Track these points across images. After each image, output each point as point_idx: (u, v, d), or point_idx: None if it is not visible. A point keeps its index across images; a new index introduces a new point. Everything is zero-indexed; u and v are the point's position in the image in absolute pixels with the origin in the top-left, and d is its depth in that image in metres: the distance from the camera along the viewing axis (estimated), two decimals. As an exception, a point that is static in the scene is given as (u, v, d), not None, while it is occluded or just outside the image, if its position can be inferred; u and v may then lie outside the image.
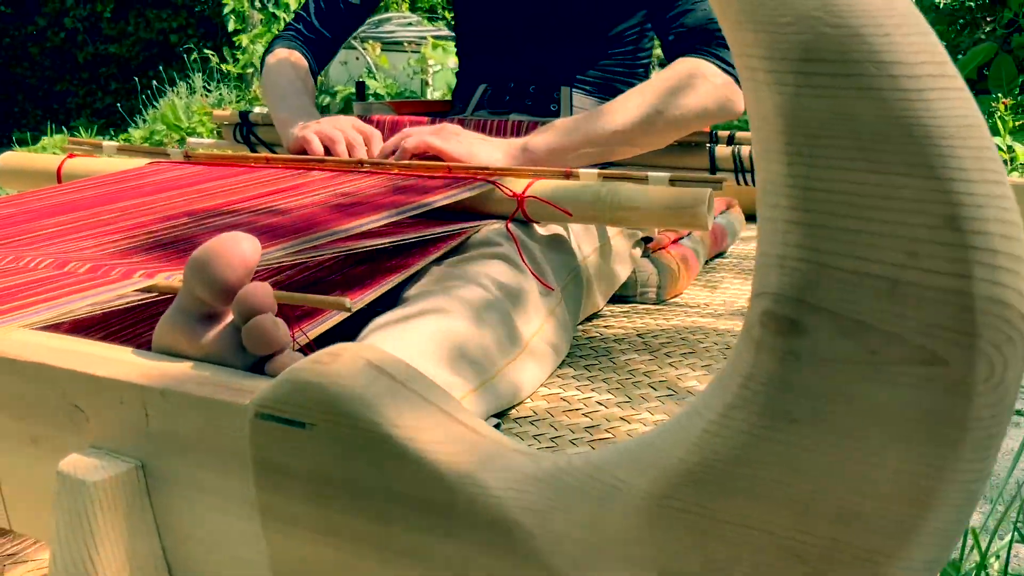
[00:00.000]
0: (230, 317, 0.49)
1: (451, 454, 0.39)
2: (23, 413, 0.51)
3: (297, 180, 1.10)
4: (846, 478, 0.30)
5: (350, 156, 1.26)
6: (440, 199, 0.98)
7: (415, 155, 1.22)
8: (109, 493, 0.45)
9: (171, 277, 0.65)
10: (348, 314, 0.67)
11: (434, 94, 3.31)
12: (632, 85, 1.53)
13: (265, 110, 1.57)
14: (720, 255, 1.69)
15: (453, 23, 1.72)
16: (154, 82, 4.61)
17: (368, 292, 0.84)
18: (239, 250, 0.47)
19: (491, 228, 1.03)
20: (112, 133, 7.59)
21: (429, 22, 4.54)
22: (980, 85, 2.90)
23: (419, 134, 1.22)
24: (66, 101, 9.11)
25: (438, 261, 0.95)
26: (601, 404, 0.90)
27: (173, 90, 4.30)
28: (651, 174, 1.06)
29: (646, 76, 1.57)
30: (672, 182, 1.04)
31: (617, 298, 1.33)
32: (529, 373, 0.92)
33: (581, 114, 1.32)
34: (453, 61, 3.21)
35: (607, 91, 1.52)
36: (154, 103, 4.34)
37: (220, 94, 4.29)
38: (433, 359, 0.78)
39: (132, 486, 0.46)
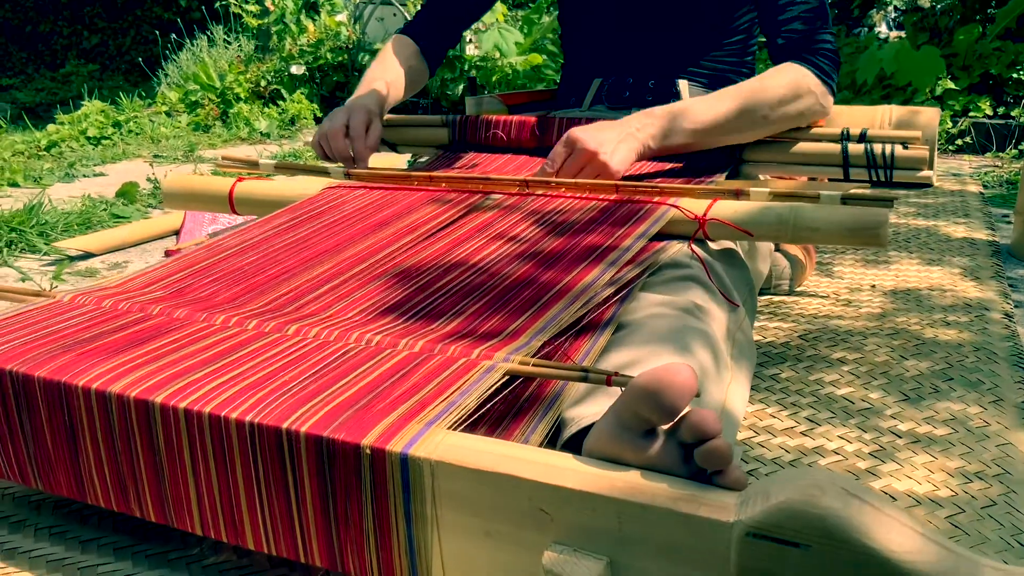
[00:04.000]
0: (663, 429, 0.58)
1: (940, 573, 0.48)
2: (480, 511, 0.60)
3: (488, 212, 1.18)
4: None
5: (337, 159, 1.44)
6: (645, 229, 1.06)
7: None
8: (593, 588, 0.55)
9: (509, 359, 0.73)
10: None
11: (475, 51, 3.33)
12: (742, 75, 1.60)
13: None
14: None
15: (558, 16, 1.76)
16: (173, 36, 4.56)
17: (594, 337, 0.90)
18: (685, 380, 0.56)
19: (674, 249, 1.10)
20: (103, 77, 7.50)
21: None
22: (1018, 33, 2.96)
23: (572, 159, 1.28)
24: (52, 42, 8.95)
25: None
26: (801, 431, 1.00)
27: (193, 43, 4.27)
28: (823, 192, 1.14)
29: (754, 66, 1.63)
30: (844, 200, 1.12)
31: (756, 292, 1.42)
32: (739, 395, 1.02)
33: (684, 102, 1.36)
34: (497, 20, 3.22)
35: (719, 82, 1.58)
36: (173, 55, 4.30)
37: (239, 45, 4.25)
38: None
39: (608, 581, 0.56)
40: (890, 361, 1.16)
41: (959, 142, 2.73)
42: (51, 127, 3.24)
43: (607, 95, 1.62)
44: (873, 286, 1.47)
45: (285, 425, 0.64)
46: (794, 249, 1.48)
